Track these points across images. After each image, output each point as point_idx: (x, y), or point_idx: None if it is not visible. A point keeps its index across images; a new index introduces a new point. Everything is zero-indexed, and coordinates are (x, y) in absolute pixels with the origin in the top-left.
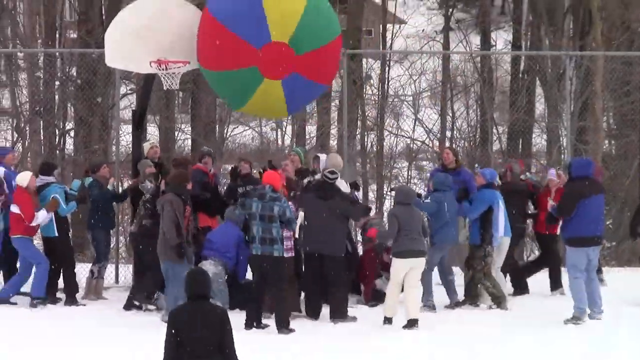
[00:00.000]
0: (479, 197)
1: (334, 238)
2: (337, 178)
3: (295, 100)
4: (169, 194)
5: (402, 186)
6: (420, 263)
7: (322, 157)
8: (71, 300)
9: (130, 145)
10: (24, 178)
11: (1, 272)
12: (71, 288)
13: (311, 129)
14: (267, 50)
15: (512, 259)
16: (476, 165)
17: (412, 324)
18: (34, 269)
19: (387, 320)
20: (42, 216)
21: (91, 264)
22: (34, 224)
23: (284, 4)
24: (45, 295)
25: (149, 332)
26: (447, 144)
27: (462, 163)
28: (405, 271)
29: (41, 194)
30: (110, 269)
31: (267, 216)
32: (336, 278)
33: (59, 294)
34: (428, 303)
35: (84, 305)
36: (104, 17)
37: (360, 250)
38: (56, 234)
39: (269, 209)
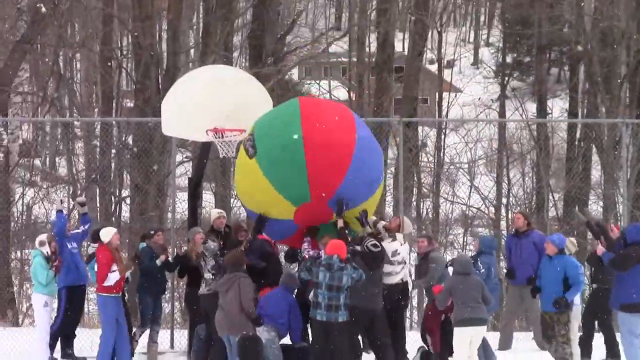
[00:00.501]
0: (569, 265)
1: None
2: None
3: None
4: (238, 272)
5: (461, 256)
6: (480, 331)
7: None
8: None
9: (186, 213)
10: (106, 234)
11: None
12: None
13: None
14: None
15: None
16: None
17: None
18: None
19: None
20: (113, 278)
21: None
22: (105, 284)
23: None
24: None
25: None
26: (503, 211)
27: (533, 227)
28: (468, 340)
29: (93, 261)
30: (165, 334)
31: (335, 286)
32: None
33: None
34: None
35: None
36: (160, 86)
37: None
38: None
39: (337, 279)
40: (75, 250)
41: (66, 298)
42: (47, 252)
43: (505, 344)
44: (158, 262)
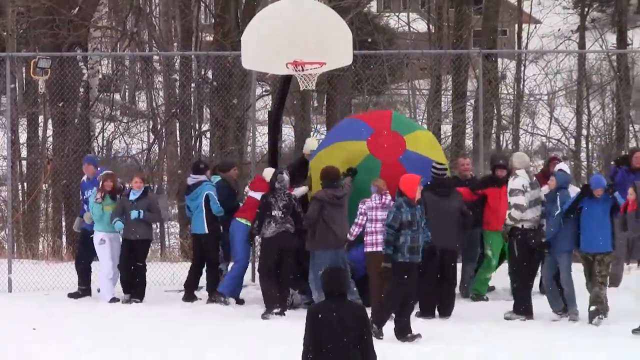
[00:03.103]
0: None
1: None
2: (444, 170)
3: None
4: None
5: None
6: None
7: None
8: (214, 297)
9: (266, 146)
10: (267, 173)
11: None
12: (215, 285)
13: (446, 128)
14: (374, 138)
15: None
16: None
17: None
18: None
19: None
20: None
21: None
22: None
23: None
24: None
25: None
26: (583, 143)
27: None
28: None
29: (194, 192)
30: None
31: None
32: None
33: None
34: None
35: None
36: (239, 20)
37: None
38: (206, 231)
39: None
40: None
41: None
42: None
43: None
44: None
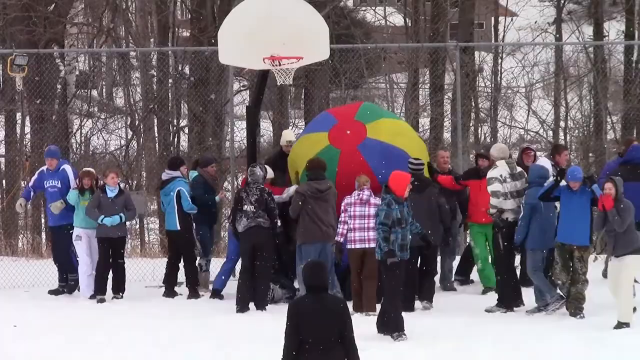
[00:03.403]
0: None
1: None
2: (421, 166)
3: (378, 165)
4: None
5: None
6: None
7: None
8: (194, 294)
9: (245, 141)
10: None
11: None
12: (194, 281)
13: (424, 122)
14: (335, 128)
15: None
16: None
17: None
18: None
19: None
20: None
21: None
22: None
23: None
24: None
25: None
26: (561, 135)
27: None
28: None
29: (167, 188)
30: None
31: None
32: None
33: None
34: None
35: (202, 296)
36: (216, 15)
37: None
38: (178, 228)
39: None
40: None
41: None
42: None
43: None
44: (217, 198)
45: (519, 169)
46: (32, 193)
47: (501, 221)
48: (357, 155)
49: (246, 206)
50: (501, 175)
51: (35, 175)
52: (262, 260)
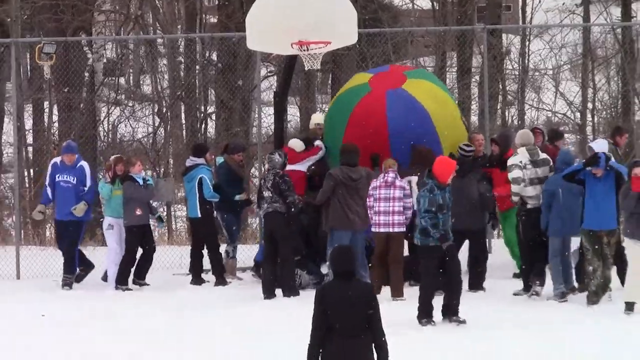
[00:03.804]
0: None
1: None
2: (472, 152)
3: (395, 116)
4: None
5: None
6: None
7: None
8: (221, 281)
9: (272, 127)
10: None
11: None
12: (219, 268)
13: None
14: (382, 74)
15: None
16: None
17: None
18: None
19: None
20: None
21: (225, 245)
22: None
23: None
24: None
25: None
26: (589, 117)
27: None
28: None
29: (190, 174)
30: (253, 249)
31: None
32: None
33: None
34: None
35: (230, 283)
36: (243, 1)
37: None
38: (199, 215)
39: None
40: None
41: None
42: (109, 174)
43: None
44: (237, 197)
45: (543, 155)
46: (49, 195)
47: (523, 208)
48: (382, 98)
49: (265, 192)
50: (521, 162)
51: (49, 169)
52: (283, 245)
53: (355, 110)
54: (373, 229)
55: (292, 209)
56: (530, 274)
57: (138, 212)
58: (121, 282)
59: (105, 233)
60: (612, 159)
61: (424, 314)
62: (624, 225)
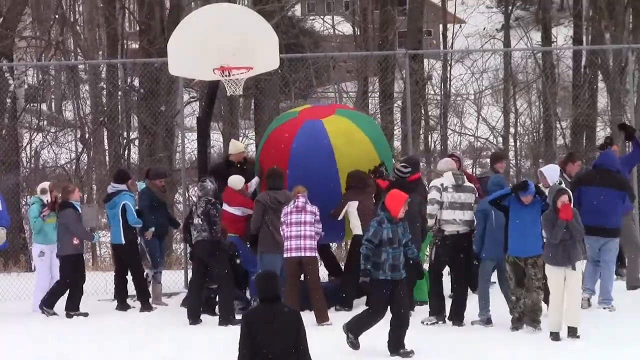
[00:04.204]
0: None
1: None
2: (408, 172)
3: (299, 145)
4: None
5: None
6: None
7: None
8: (145, 306)
9: (195, 153)
10: (233, 182)
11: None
12: (144, 294)
13: None
14: (319, 107)
15: None
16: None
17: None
18: None
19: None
20: None
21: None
22: None
23: None
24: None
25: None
26: (511, 141)
27: None
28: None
29: (112, 201)
30: (179, 275)
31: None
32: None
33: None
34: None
35: (155, 309)
36: (164, 27)
37: None
38: (123, 242)
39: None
40: None
41: None
42: (47, 201)
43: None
44: (147, 236)
45: (468, 183)
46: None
47: (439, 234)
48: (295, 127)
49: (195, 219)
50: (442, 185)
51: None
52: (213, 274)
53: (270, 136)
54: (285, 255)
55: (215, 235)
56: (433, 298)
57: (75, 241)
58: (49, 305)
59: (36, 260)
60: (562, 184)
61: (353, 334)
62: (545, 251)
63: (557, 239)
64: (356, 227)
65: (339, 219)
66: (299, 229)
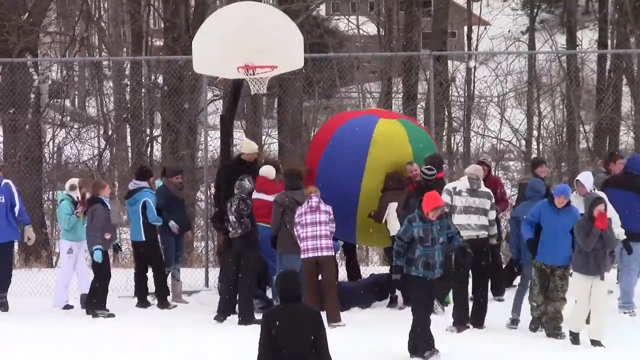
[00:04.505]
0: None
1: None
2: (432, 175)
3: (338, 136)
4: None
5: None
6: None
7: None
8: (163, 304)
9: (218, 151)
10: (265, 172)
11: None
12: (162, 291)
13: None
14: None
15: None
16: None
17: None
18: None
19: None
20: None
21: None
22: None
23: None
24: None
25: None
26: (534, 144)
27: None
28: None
29: (133, 197)
30: (200, 273)
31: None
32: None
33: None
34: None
35: (175, 306)
36: (189, 24)
37: None
38: (143, 239)
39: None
40: None
41: None
42: (77, 197)
43: None
44: (171, 224)
45: (484, 189)
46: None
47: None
48: (344, 119)
49: (231, 216)
50: (454, 188)
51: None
52: (242, 272)
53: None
54: (302, 256)
55: (245, 227)
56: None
57: (107, 236)
58: (100, 307)
59: (64, 256)
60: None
61: (424, 348)
62: (574, 259)
63: (590, 247)
64: (395, 229)
65: (382, 222)
66: (314, 229)
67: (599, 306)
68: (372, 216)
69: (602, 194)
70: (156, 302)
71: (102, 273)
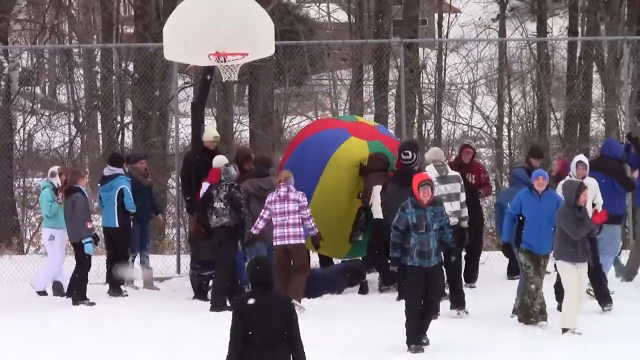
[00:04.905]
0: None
1: None
2: (410, 158)
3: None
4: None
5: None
6: None
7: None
8: (116, 291)
9: (189, 138)
10: (218, 161)
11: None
12: (116, 280)
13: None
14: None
15: None
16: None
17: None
18: None
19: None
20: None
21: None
22: None
23: None
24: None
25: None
26: (505, 131)
27: None
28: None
29: (108, 184)
30: (171, 260)
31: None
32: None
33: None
34: None
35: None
36: (160, 12)
37: None
38: (117, 225)
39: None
40: None
41: None
42: (57, 184)
43: None
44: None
45: (452, 172)
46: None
47: None
48: (320, 126)
49: (217, 203)
50: None
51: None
52: (219, 260)
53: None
54: (274, 243)
55: (242, 218)
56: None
57: (89, 225)
58: (82, 297)
59: (46, 244)
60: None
61: (411, 340)
62: (560, 247)
63: (581, 237)
64: (378, 211)
65: (369, 204)
66: (283, 218)
67: (580, 293)
68: (360, 198)
69: (593, 180)
70: (126, 289)
71: (85, 264)
